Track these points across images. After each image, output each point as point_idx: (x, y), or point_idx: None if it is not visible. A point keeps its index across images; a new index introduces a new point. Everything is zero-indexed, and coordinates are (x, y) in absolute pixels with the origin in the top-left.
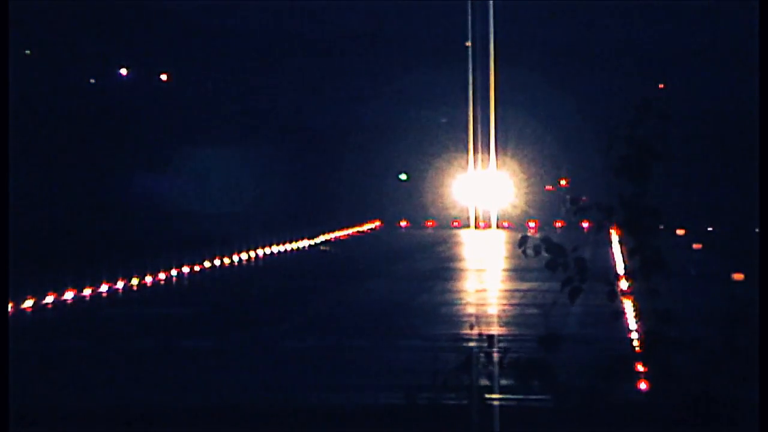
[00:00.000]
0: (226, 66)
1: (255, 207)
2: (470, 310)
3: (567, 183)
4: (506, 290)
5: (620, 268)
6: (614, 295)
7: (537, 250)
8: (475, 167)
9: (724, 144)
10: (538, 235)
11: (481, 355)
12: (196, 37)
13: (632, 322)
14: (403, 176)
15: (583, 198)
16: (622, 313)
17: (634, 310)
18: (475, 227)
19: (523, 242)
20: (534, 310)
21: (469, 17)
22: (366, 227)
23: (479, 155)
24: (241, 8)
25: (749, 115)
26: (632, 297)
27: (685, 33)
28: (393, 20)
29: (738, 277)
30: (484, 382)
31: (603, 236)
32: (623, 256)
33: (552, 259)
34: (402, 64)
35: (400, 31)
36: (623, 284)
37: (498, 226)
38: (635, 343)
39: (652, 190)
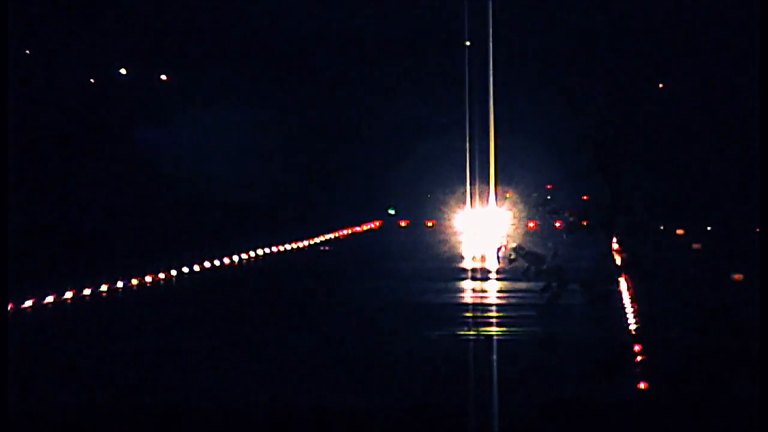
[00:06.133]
0: (225, 67)
1: (254, 207)
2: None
3: (552, 187)
4: (503, 290)
5: (609, 270)
6: (594, 299)
7: (511, 260)
8: (472, 194)
9: (724, 143)
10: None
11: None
12: (194, 38)
13: (619, 323)
14: (391, 211)
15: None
16: (607, 315)
17: (619, 312)
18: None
19: (498, 251)
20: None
21: (466, 16)
22: (366, 227)
23: (476, 175)
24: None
25: (750, 113)
26: (618, 298)
27: (687, 32)
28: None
29: (737, 277)
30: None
31: (602, 236)
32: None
33: (527, 267)
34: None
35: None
36: (606, 286)
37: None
38: (620, 343)
39: (628, 189)
